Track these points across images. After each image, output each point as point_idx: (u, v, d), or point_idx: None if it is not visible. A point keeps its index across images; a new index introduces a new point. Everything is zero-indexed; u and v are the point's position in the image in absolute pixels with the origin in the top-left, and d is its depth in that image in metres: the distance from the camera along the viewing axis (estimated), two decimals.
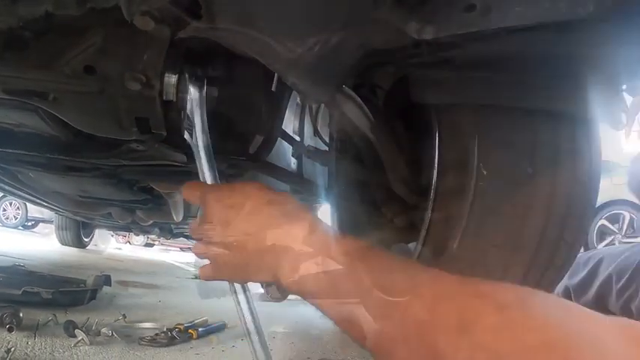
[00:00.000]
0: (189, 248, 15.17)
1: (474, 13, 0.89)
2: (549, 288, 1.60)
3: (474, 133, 1.40)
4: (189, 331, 2.06)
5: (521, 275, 1.50)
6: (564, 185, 1.43)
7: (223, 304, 3.37)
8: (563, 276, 1.72)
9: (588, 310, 0.61)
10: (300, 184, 1.94)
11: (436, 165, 1.51)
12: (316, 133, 2.17)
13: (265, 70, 1.34)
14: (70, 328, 1.75)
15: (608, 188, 6.29)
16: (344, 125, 1.96)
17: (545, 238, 1.46)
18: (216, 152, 1.49)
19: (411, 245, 2.40)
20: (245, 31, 0.92)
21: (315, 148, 2.27)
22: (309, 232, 0.80)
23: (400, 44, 1.07)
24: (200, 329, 2.13)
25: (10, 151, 1.68)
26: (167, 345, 1.90)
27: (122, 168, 1.83)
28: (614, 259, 3.07)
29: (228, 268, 0.89)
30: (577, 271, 3.16)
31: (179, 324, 2.13)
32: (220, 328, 2.34)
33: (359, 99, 1.52)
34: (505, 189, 1.40)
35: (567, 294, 3.12)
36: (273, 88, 1.43)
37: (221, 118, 1.45)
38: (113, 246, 12.60)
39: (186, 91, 1.16)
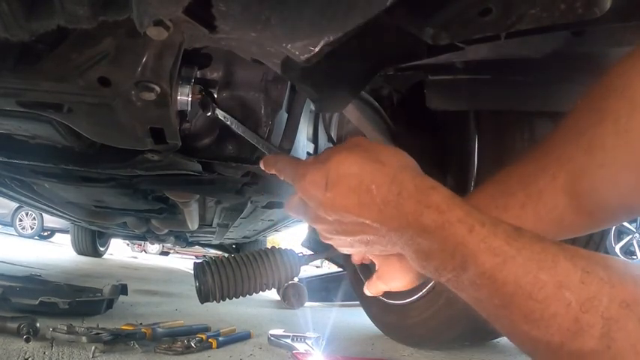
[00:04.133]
0: (204, 256, 15.25)
1: (489, 17, 0.88)
2: None
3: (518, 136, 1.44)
4: (210, 340, 2.05)
5: None
6: None
7: (247, 311, 3.39)
8: None
9: None
10: None
11: (475, 166, 1.53)
12: (330, 139, 2.17)
13: (277, 78, 1.35)
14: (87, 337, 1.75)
15: None
16: (357, 129, 1.96)
17: (577, 239, 1.48)
18: (231, 160, 1.49)
19: None
20: (260, 40, 0.91)
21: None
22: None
23: (415, 50, 1.07)
24: (221, 338, 2.12)
25: (26, 162, 1.69)
26: (183, 353, 1.89)
27: (137, 178, 1.84)
28: None
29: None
30: None
31: (201, 333, 2.13)
32: (245, 337, 2.33)
33: (376, 103, 1.52)
34: None
35: None
36: (286, 97, 1.43)
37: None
38: (129, 254, 12.67)
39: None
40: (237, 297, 1.27)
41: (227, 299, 1.26)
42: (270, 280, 1.26)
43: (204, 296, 1.25)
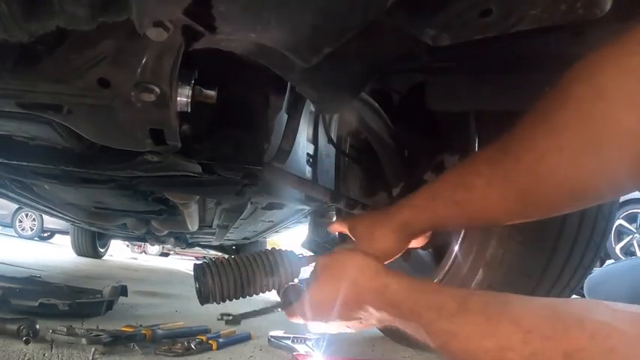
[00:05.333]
0: (204, 257, 15.20)
1: (489, 18, 0.88)
2: (576, 287, 1.62)
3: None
4: (210, 342, 2.04)
5: (556, 276, 1.51)
6: None
7: None
8: (589, 275, 1.75)
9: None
10: (315, 192, 1.92)
11: None
12: (330, 141, 2.17)
13: (277, 80, 1.35)
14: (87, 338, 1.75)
15: None
16: (358, 130, 1.96)
17: (578, 240, 1.48)
18: (231, 161, 1.49)
19: (423, 253, 2.40)
20: (259, 42, 0.91)
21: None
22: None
23: (415, 51, 1.06)
24: (221, 340, 2.11)
25: (26, 163, 1.68)
26: (183, 355, 1.88)
27: (137, 179, 1.83)
28: None
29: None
30: None
31: (201, 334, 2.13)
32: (245, 338, 2.33)
33: (376, 104, 1.52)
34: None
35: None
36: (286, 98, 1.43)
37: (234, 127, 1.44)
38: (129, 255, 12.66)
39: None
40: (237, 298, 1.27)
41: (227, 300, 1.26)
42: (270, 281, 1.26)
43: (204, 297, 1.25)
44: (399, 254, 1.16)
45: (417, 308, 0.88)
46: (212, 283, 1.24)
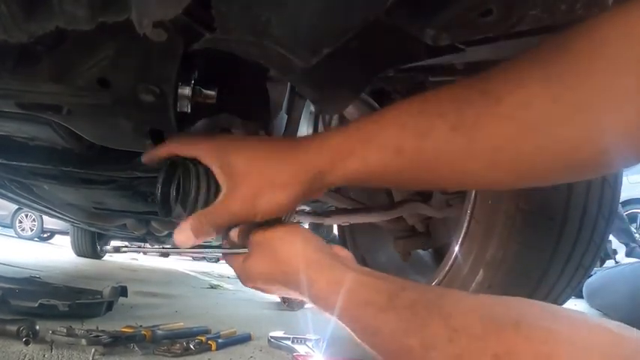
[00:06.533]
0: (203, 257, 15.21)
1: (489, 18, 0.88)
2: (576, 287, 1.62)
3: None
4: (209, 342, 2.04)
5: (557, 277, 1.51)
6: (596, 188, 1.45)
7: (247, 313, 3.39)
8: (589, 276, 1.76)
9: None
10: None
11: None
12: None
13: (277, 80, 1.35)
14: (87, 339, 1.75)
15: (625, 187, 6.19)
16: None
17: (579, 240, 1.48)
18: None
19: (423, 253, 2.40)
20: (259, 42, 0.91)
21: None
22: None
23: (415, 51, 1.06)
24: (220, 340, 2.11)
25: (25, 164, 1.68)
26: (181, 355, 1.89)
27: (137, 180, 1.83)
28: None
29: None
30: None
31: (201, 335, 2.13)
32: (244, 339, 2.33)
33: (376, 104, 1.52)
34: (546, 193, 1.42)
35: None
36: (286, 98, 1.43)
37: (234, 127, 1.44)
38: (129, 256, 12.65)
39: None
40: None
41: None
42: None
43: (177, 210, 1.01)
44: (291, 210, 0.96)
45: (342, 303, 0.76)
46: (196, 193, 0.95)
